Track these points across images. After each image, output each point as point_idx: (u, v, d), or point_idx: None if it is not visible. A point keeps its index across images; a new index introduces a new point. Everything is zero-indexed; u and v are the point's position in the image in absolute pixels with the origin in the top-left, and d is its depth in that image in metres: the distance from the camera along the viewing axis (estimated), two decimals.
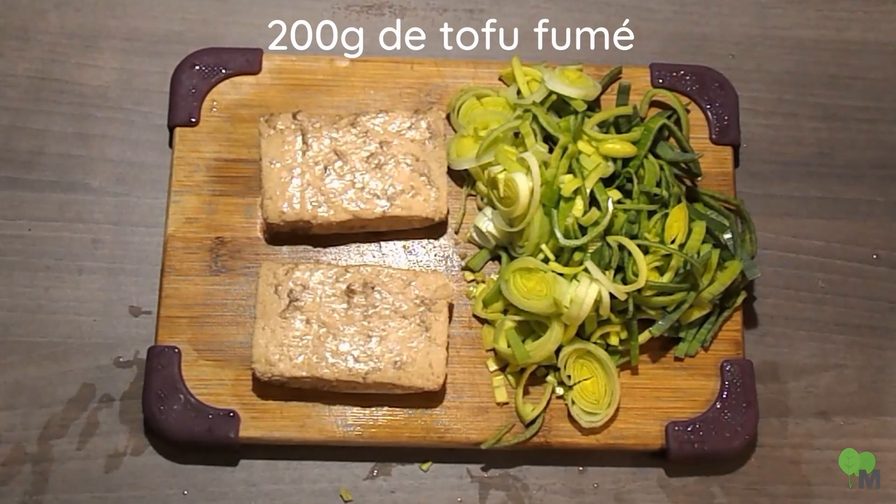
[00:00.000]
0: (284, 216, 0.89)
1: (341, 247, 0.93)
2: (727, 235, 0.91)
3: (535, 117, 0.92)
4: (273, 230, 0.91)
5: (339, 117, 0.91)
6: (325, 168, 0.89)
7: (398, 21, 1.03)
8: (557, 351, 0.88)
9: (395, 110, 0.92)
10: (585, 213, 0.87)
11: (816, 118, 1.02)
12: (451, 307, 0.89)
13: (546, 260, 0.88)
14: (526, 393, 0.89)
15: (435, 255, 0.92)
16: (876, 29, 1.06)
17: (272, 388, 0.87)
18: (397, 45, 1.02)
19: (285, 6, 1.03)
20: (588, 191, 0.88)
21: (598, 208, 0.87)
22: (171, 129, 0.95)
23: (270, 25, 1.02)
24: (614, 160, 0.90)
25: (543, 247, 0.88)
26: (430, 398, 0.88)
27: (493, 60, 0.99)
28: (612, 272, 0.87)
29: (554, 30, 1.03)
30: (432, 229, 0.93)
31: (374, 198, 0.89)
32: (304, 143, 0.89)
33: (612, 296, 0.86)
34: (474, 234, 0.93)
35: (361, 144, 0.90)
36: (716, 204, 0.93)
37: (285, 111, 0.92)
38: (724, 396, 0.89)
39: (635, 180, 0.90)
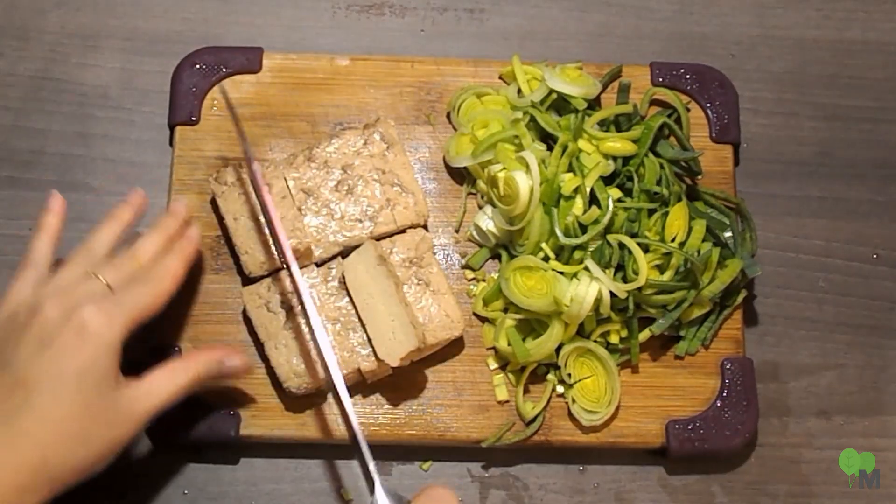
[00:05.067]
0: (266, 266, 0.88)
1: None
2: (727, 234, 0.92)
3: (532, 118, 0.92)
4: (255, 278, 0.89)
5: (294, 156, 0.90)
6: (299, 209, 0.88)
7: (398, 21, 1.03)
8: (558, 349, 0.88)
9: (345, 133, 0.91)
10: (585, 211, 0.88)
11: (817, 118, 1.02)
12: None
13: (546, 258, 0.88)
14: (526, 391, 0.89)
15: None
16: (876, 29, 1.06)
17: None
18: (398, 45, 1.02)
19: (285, 6, 1.03)
20: (588, 189, 0.88)
21: (599, 207, 0.87)
22: (172, 128, 0.95)
23: (271, 25, 1.02)
24: (614, 158, 0.90)
25: (544, 245, 0.88)
26: (431, 396, 0.88)
27: (494, 59, 0.99)
28: (613, 270, 0.87)
29: (554, 29, 1.03)
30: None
31: (357, 223, 0.89)
32: (265, 185, 0.87)
33: (612, 294, 0.86)
34: (474, 233, 0.93)
35: (325, 176, 0.90)
36: (716, 202, 0.94)
37: (234, 159, 0.92)
38: (725, 395, 0.89)
39: (635, 179, 0.90)
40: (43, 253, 0.81)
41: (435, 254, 0.91)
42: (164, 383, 0.77)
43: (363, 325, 0.85)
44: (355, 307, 0.86)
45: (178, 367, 0.78)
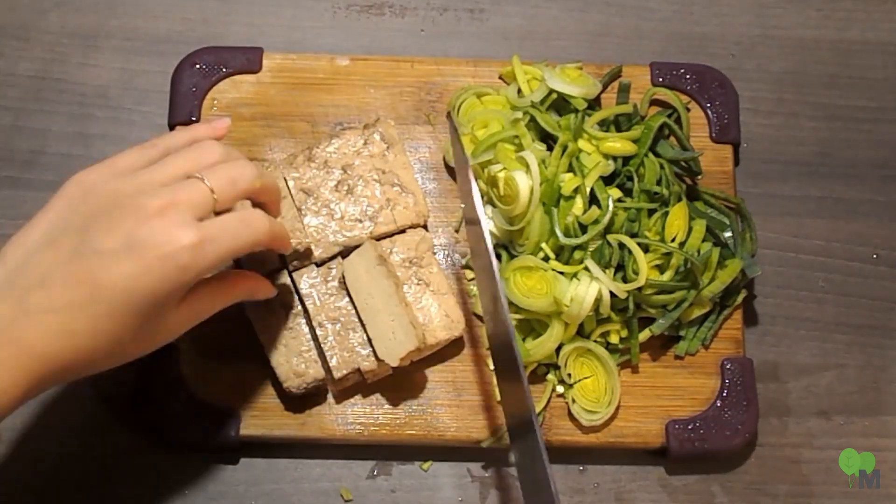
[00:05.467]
0: (266, 265, 0.88)
1: None
2: (727, 234, 0.92)
3: (532, 118, 0.92)
4: None
5: (294, 156, 0.90)
6: (299, 209, 0.88)
7: (398, 21, 1.03)
8: (558, 349, 0.88)
9: (345, 133, 0.91)
10: (585, 211, 0.88)
11: (817, 118, 1.02)
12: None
13: (546, 258, 0.88)
14: None
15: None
16: (876, 29, 1.06)
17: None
18: (398, 45, 1.02)
19: (285, 6, 1.03)
20: (588, 189, 0.88)
21: (599, 207, 0.87)
22: (172, 128, 0.95)
23: (271, 25, 1.02)
24: (614, 158, 0.90)
25: (544, 245, 0.88)
26: (431, 396, 0.88)
27: (494, 59, 0.99)
28: (613, 270, 0.87)
29: (554, 29, 1.04)
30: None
31: (357, 223, 0.89)
32: None
33: (612, 294, 0.86)
34: None
35: (325, 176, 0.90)
36: (716, 202, 0.94)
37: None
38: (725, 395, 0.89)
39: (635, 179, 0.90)
40: (174, 143, 0.76)
41: (435, 254, 0.91)
42: (205, 307, 0.75)
43: (363, 325, 0.85)
44: (355, 307, 0.86)
45: (217, 292, 0.76)
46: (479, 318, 0.91)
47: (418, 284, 0.88)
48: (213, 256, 0.70)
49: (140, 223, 0.68)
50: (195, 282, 0.71)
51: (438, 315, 0.86)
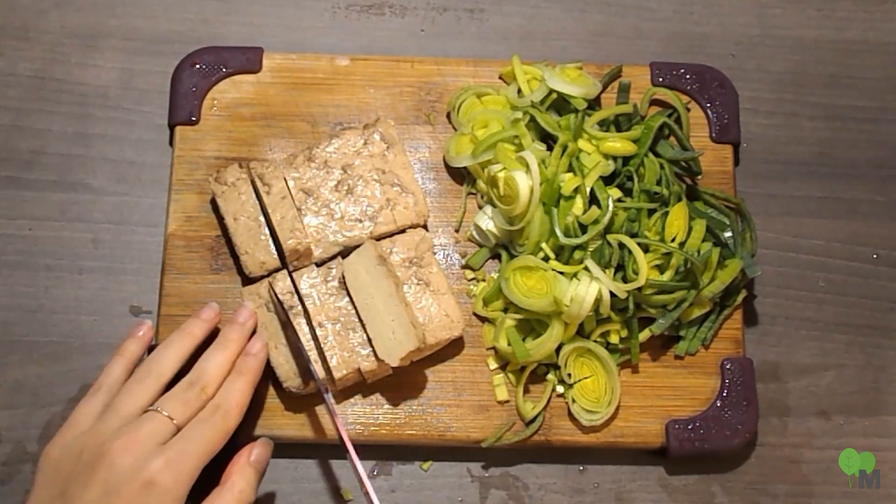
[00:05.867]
0: (266, 265, 0.88)
1: None
2: (727, 234, 0.92)
3: (532, 118, 0.92)
4: (255, 278, 0.89)
5: (294, 156, 0.90)
6: (299, 209, 0.88)
7: (398, 21, 1.03)
8: (558, 349, 0.88)
9: (345, 133, 0.91)
10: (585, 211, 0.88)
11: (817, 118, 1.02)
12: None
13: (546, 258, 0.88)
14: (526, 391, 0.89)
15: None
16: (876, 29, 1.06)
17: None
18: (398, 45, 1.02)
19: (285, 5, 1.03)
20: (588, 189, 0.88)
21: (599, 207, 0.87)
22: (172, 128, 0.95)
23: (271, 25, 1.02)
24: (614, 158, 0.90)
25: (544, 245, 0.88)
26: (431, 396, 0.88)
27: (494, 59, 0.99)
28: (613, 270, 0.87)
29: (554, 29, 1.03)
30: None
31: (357, 223, 0.89)
32: (265, 186, 0.87)
33: (612, 294, 0.86)
34: (474, 233, 0.93)
35: (325, 176, 0.90)
36: (716, 202, 0.94)
37: (234, 161, 0.91)
38: (725, 395, 0.89)
39: (635, 178, 0.90)
40: (116, 379, 0.81)
41: (435, 254, 0.91)
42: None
43: (363, 325, 0.85)
44: (355, 307, 0.86)
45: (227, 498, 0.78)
46: (480, 318, 0.91)
47: (418, 284, 0.87)
48: (191, 464, 0.75)
49: (110, 468, 0.73)
50: (185, 498, 0.74)
51: (438, 315, 0.86)
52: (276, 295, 0.86)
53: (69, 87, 0.99)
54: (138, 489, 0.72)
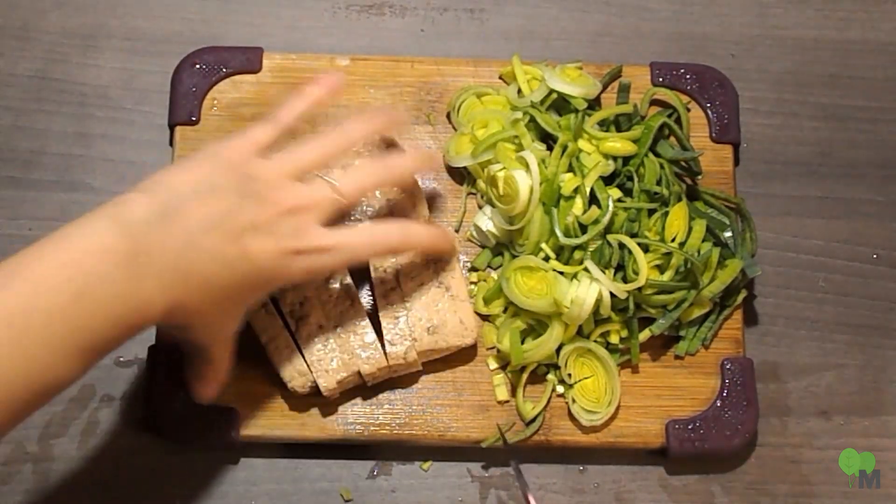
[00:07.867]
0: None
1: None
2: (727, 234, 0.92)
3: (532, 118, 0.92)
4: None
5: None
6: None
7: (398, 21, 1.03)
8: (558, 349, 0.88)
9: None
10: (585, 211, 0.87)
11: (817, 118, 1.02)
12: None
13: (546, 258, 0.88)
14: (526, 391, 0.89)
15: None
16: (876, 29, 1.06)
17: (273, 387, 0.87)
18: (398, 45, 1.02)
19: (285, 6, 1.03)
20: (588, 189, 0.88)
21: (599, 207, 0.87)
22: (172, 128, 0.95)
23: (271, 25, 1.02)
24: (614, 158, 0.90)
25: (544, 245, 0.88)
26: (431, 396, 0.88)
27: (494, 59, 0.99)
28: (613, 271, 0.87)
29: (554, 29, 1.03)
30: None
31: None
32: None
33: (612, 294, 0.86)
34: (474, 233, 0.93)
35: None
36: (716, 202, 0.94)
37: None
38: (725, 395, 0.89)
39: (635, 178, 0.90)
40: (294, 116, 0.81)
41: (458, 260, 0.90)
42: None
43: (374, 322, 0.86)
44: (355, 307, 0.86)
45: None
46: (480, 316, 0.91)
47: (438, 287, 0.87)
48: (340, 259, 0.79)
49: (280, 217, 0.74)
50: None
51: (454, 321, 0.86)
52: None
53: (69, 87, 0.99)
54: (292, 251, 0.75)
